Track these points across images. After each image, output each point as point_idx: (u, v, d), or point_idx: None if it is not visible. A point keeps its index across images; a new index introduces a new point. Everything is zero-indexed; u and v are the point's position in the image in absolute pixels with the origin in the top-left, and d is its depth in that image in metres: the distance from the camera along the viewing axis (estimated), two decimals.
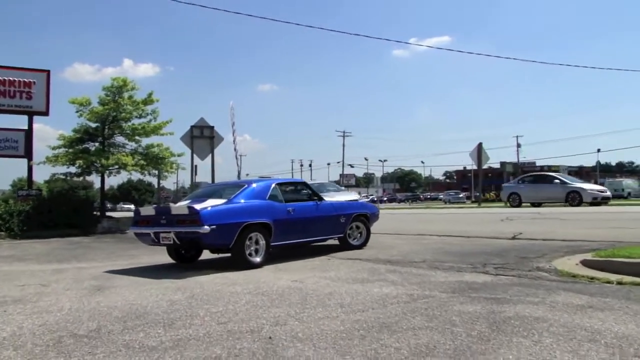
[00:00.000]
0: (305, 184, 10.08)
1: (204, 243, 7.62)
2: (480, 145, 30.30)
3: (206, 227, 7.18)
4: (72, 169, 19.61)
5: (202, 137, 18.51)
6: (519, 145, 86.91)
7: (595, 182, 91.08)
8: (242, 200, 8.14)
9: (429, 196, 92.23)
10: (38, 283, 6.79)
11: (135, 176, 22.84)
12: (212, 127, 18.74)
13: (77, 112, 19.78)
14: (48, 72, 19.55)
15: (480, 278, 6.23)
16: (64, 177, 20.11)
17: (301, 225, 8.81)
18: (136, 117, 20.07)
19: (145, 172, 20.33)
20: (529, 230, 11.60)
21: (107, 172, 19.99)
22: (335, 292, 5.53)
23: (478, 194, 74.00)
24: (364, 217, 10.09)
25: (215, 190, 9.23)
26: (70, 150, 19.27)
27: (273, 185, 8.75)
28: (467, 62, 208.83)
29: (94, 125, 19.92)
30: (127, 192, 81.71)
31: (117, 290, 6.07)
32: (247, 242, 7.75)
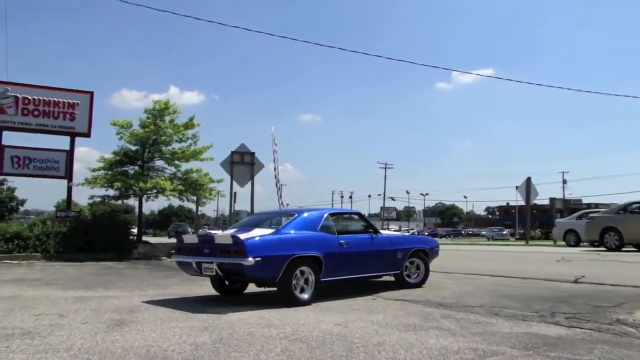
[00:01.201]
0: (360, 215, 9.29)
1: (248, 275, 6.98)
2: (529, 180, 29.09)
3: (250, 258, 6.59)
4: (110, 192, 19.43)
5: (243, 164, 18.03)
6: (564, 182, 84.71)
7: None
8: (292, 231, 7.50)
9: (470, 232, 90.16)
10: (56, 313, 6.20)
11: (174, 201, 22.58)
12: (253, 153, 18.27)
13: (117, 134, 19.73)
14: (91, 93, 19.52)
15: (552, 330, 5.37)
16: (101, 199, 19.89)
17: (355, 259, 8.07)
18: (176, 141, 19.88)
19: (184, 197, 20.02)
20: (591, 273, 10.56)
21: (145, 196, 19.72)
22: (384, 341, 4.75)
23: (522, 231, 72.19)
24: (423, 252, 9.27)
25: (263, 219, 8.63)
26: (109, 172, 19.10)
27: (325, 215, 8.08)
28: (510, 95, 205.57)
29: (134, 148, 19.78)
30: (168, 218, 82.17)
31: (138, 326, 5.41)
32: (295, 277, 7.11)
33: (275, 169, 18.98)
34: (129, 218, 22.57)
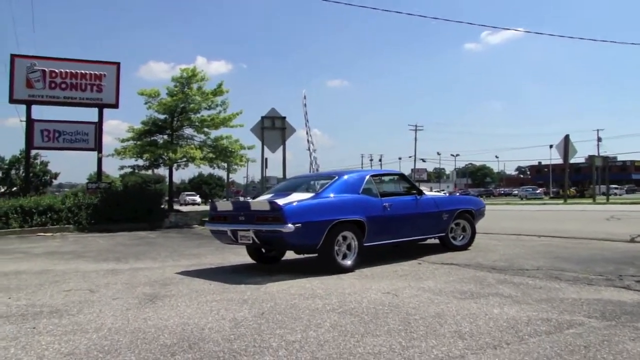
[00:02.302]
0: (403, 176, 8.81)
1: (288, 243, 6.57)
2: (567, 137, 28.03)
3: (290, 225, 6.18)
4: (140, 162, 19.20)
5: (274, 129, 17.50)
6: (599, 140, 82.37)
7: None
8: (332, 195, 7.02)
9: (502, 192, 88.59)
10: (86, 288, 5.86)
11: (205, 170, 22.35)
12: (284, 117, 17.72)
13: (145, 103, 19.39)
14: (118, 64, 19.16)
15: (625, 296, 4.84)
16: (131, 170, 19.68)
17: (399, 223, 7.59)
18: (205, 108, 19.47)
19: (214, 165, 19.69)
20: None
21: (175, 165, 19.44)
22: (444, 312, 4.28)
23: (555, 189, 70.61)
24: (469, 213, 8.75)
25: (301, 183, 8.17)
26: (139, 142, 18.83)
27: (367, 177, 7.58)
28: (540, 55, 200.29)
29: (162, 117, 19.44)
30: (198, 186, 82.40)
31: (172, 301, 5.03)
32: (337, 243, 6.68)
33: (307, 133, 18.41)
34: (160, 187, 22.33)
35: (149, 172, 20.03)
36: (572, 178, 55.90)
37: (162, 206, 18.91)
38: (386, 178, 8.46)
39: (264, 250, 7.65)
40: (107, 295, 5.41)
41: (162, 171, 21.99)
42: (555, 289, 5.23)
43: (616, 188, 62.93)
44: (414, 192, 8.10)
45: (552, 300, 4.66)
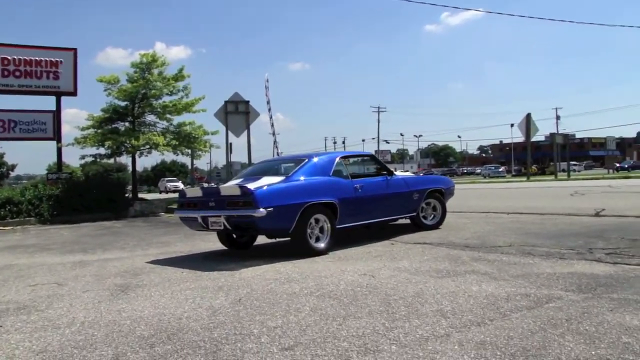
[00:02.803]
0: (373, 157, 8.80)
1: (260, 228, 6.45)
2: (529, 116, 28.40)
3: (262, 209, 6.06)
4: (102, 150, 18.73)
5: (237, 113, 17.27)
6: (558, 118, 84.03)
7: (639, 154, 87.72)
8: (303, 178, 6.93)
9: (465, 171, 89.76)
10: (54, 282, 5.66)
11: (168, 156, 22.02)
12: (248, 101, 17.49)
13: (105, 90, 18.85)
14: (75, 50, 18.57)
15: (597, 268, 4.91)
16: (93, 159, 19.19)
17: (370, 204, 7.55)
18: (167, 94, 19.03)
19: (178, 152, 19.33)
20: (611, 206, 10.16)
21: (138, 152, 19.04)
22: (423, 291, 4.26)
23: (517, 167, 71.83)
24: (439, 192, 8.78)
25: (270, 167, 8.08)
26: (99, 130, 18.35)
27: (337, 158, 7.52)
28: (500, 35, 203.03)
29: (123, 104, 18.94)
30: (161, 174, 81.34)
31: (145, 291, 4.90)
32: (310, 226, 6.61)
33: (271, 118, 18.24)
34: (122, 176, 21.86)
35: (111, 160, 19.54)
36: (533, 156, 56.87)
37: (127, 195, 18.54)
38: (356, 159, 8.42)
39: (235, 236, 7.52)
40: (77, 288, 5.24)
41: (125, 159, 21.56)
42: (530, 264, 5.27)
43: (575, 165, 64.40)
44: (384, 172, 8.08)
45: (528, 276, 4.69)
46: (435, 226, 8.59)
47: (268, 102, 16.64)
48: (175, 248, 8.13)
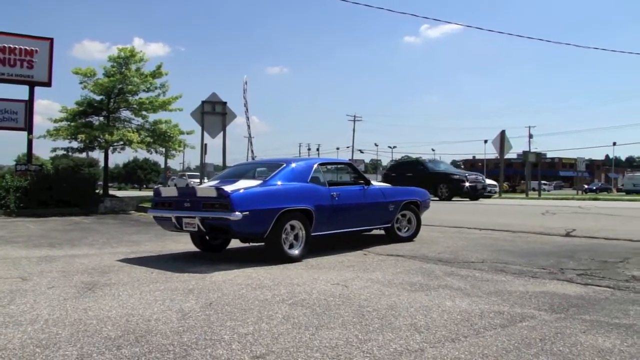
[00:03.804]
0: (351, 165, 8.74)
1: (234, 231, 6.34)
2: (503, 133, 28.73)
3: (237, 213, 5.98)
4: (74, 144, 18.40)
5: (214, 114, 17.15)
6: (531, 136, 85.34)
7: (607, 176, 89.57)
8: (280, 183, 6.86)
9: None
10: (18, 276, 5.50)
11: (142, 154, 21.72)
12: (225, 102, 17.39)
13: (80, 83, 18.56)
14: (51, 40, 18.28)
15: (569, 289, 4.93)
16: (65, 152, 18.84)
17: (346, 212, 7.52)
18: (144, 90, 18.82)
19: (152, 149, 19.09)
20: (581, 226, 10.27)
21: (111, 148, 18.76)
22: (396, 304, 4.22)
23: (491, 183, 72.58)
24: (415, 204, 8.78)
25: (247, 170, 7.99)
26: (73, 123, 18.03)
27: (315, 165, 7.47)
28: (478, 51, 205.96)
29: (98, 98, 18.66)
30: (133, 171, 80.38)
31: (113, 290, 4.77)
32: (285, 232, 6.58)
33: (248, 119, 18.10)
34: (93, 171, 21.43)
35: (83, 155, 19.17)
36: (505, 173, 57.43)
37: (97, 191, 18.25)
38: (334, 167, 8.37)
39: (208, 238, 7.42)
40: (42, 284, 5.09)
41: (97, 155, 21.19)
42: (502, 281, 5.28)
43: (545, 184, 65.38)
44: (362, 182, 8.05)
45: (501, 293, 4.69)
46: (410, 238, 8.58)
47: (245, 105, 16.47)
48: (145, 247, 7.99)
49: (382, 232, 8.57)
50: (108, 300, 4.34)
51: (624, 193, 49.26)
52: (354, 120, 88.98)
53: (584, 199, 25.21)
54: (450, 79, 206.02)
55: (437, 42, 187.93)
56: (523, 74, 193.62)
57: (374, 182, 8.63)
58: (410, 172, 24.08)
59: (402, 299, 4.41)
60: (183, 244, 7.99)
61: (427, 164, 25.51)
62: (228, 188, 6.33)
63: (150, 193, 34.26)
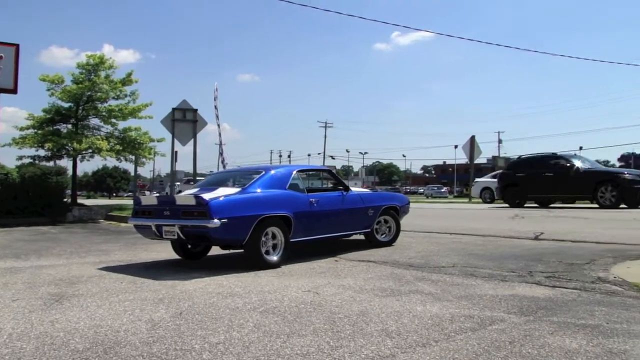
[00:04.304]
0: (330, 172, 8.89)
1: (213, 238, 6.40)
2: (473, 138, 29.11)
3: (216, 220, 6.06)
4: (41, 152, 18.11)
5: (185, 121, 17.01)
6: (500, 141, 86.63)
7: None
8: (259, 190, 6.95)
9: (408, 190, 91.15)
10: None
11: (111, 162, 21.46)
12: (196, 110, 17.27)
13: (48, 90, 18.31)
14: (17, 46, 17.87)
15: (538, 291, 5.01)
16: (31, 160, 18.51)
17: (325, 218, 7.65)
18: (113, 98, 18.68)
19: (121, 157, 18.90)
20: (549, 230, 10.44)
21: (80, 156, 18.50)
22: (368, 310, 4.23)
23: (459, 188, 73.50)
24: (394, 209, 8.94)
25: (227, 178, 8.09)
26: (40, 131, 17.76)
27: (294, 172, 7.59)
28: (448, 57, 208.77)
29: (66, 105, 18.42)
30: (102, 180, 79.27)
31: (81, 301, 4.69)
32: (264, 238, 6.66)
33: (219, 126, 17.96)
34: (61, 180, 20.96)
35: (51, 163, 18.81)
36: (474, 177, 58.16)
37: (65, 200, 17.94)
38: (313, 173, 8.49)
39: (189, 246, 7.46)
40: (6, 296, 4.97)
41: (65, 163, 20.81)
42: (473, 285, 5.33)
43: None
44: (341, 188, 8.18)
45: (471, 297, 4.74)
46: (389, 243, 8.70)
47: (216, 112, 16.35)
48: (114, 257, 7.87)
49: (361, 237, 8.67)
50: (76, 312, 4.26)
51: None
52: (325, 127, 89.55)
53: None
54: (421, 86, 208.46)
55: (408, 49, 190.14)
56: (492, 81, 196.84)
57: (353, 188, 8.75)
58: (550, 171, 18.87)
59: (373, 305, 4.42)
60: (154, 252, 7.91)
61: (573, 159, 19.23)
62: (206, 196, 6.39)
63: (119, 201, 33.78)
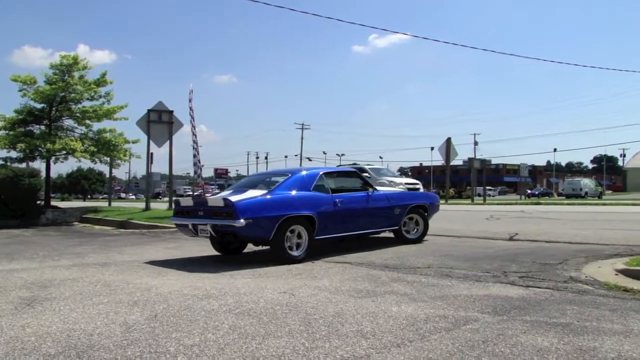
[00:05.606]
0: (356, 173, 9.24)
1: (241, 236, 7.12)
2: (449, 140, 29.35)
3: (242, 220, 6.73)
4: (13, 154, 17.81)
5: (160, 122, 16.92)
6: (476, 143, 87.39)
7: (548, 181, 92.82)
8: (284, 192, 7.56)
9: None
10: None
11: (86, 164, 21.17)
12: (172, 111, 17.19)
13: (20, 91, 18.01)
14: None
15: (511, 291, 5.07)
16: (3, 162, 18.19)
17: (349, 217, 8.17)
18: (87, 99, 18.45)
19: (96, 159, 18.67)
20: (524, 231, 10.58)
21: (53, 158, 18.24)
22: (343, 311, 4.25)
23: (435, 190, 73.93)
24: (422, 208, 9.41)
25: (259, 180, 8.68)
26: (12, 132, 17.46)
27: (319, 174, 8.11)
28: (425, 60, 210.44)
29: (39, 106, 18.14)
30: (77, 182, 78.15)
31: (54, 304, 4.63)
32: (288, 236, 7.26)
33: (194, 127, 17.83)
34: (34, 182, 20.66)
35: (23, 165, 18.52)
36: (451, 179, 58.68)
37: (38, 202, 17.68)
38: (339, 176, 8.94)
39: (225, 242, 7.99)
40: None
41: (38, 164, 20.50)
42: (448, 286, 5.38)
43: (490, 189, 67.03)
44: (367, 188, 8.64)
45: (446, 298, 4.78)
46: (417, 240, 9.19)
47: (191, 113, 16.12)
48: (88, 259, 7.79)
49: (387, 234, 9.17)
50: (48, 316, 4.20)
51: (564, 197, 50.90)
52: (302, 129, 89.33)
53: (526, 204, 26.01)
54: (398, 88, 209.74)
55: (385, 52, 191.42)
56: (468, 83, 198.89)
57: (380, 188, 9.26)
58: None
59: (348, 306, 4.44)
60: (128, 255, 7.85)
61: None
62: (234, 198, 7.08)
63: (94, 204, 33.38)
